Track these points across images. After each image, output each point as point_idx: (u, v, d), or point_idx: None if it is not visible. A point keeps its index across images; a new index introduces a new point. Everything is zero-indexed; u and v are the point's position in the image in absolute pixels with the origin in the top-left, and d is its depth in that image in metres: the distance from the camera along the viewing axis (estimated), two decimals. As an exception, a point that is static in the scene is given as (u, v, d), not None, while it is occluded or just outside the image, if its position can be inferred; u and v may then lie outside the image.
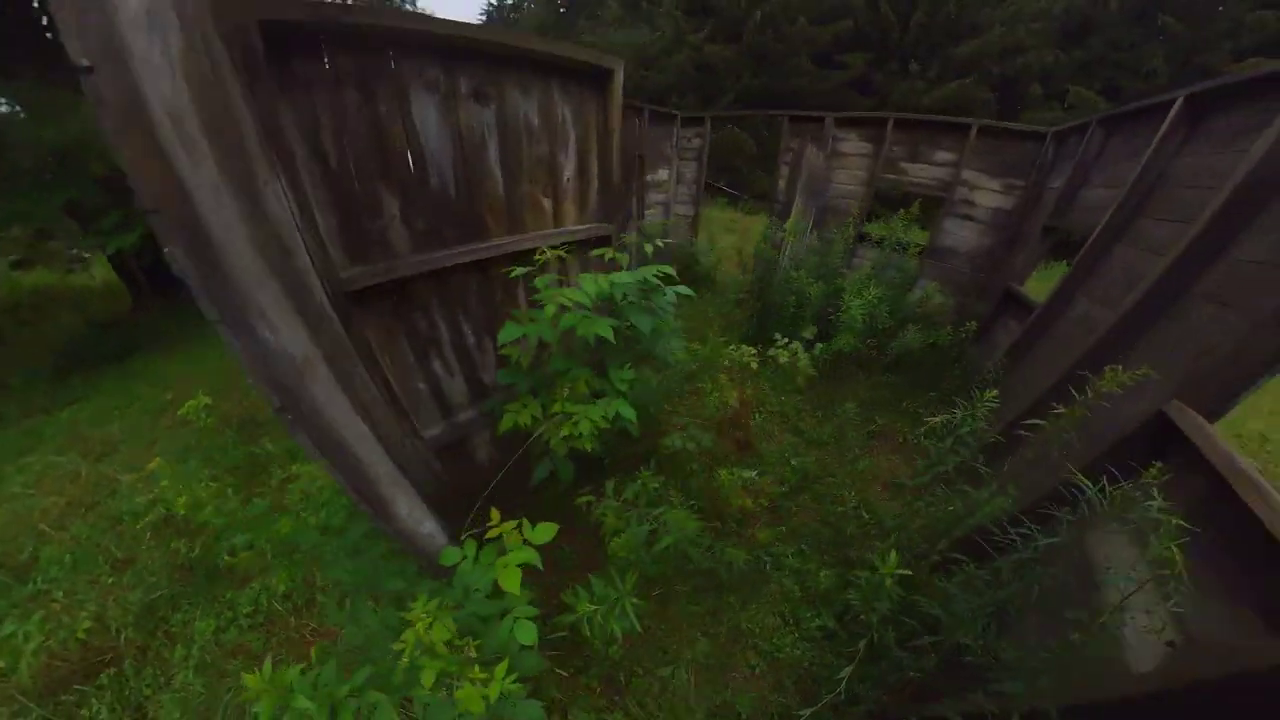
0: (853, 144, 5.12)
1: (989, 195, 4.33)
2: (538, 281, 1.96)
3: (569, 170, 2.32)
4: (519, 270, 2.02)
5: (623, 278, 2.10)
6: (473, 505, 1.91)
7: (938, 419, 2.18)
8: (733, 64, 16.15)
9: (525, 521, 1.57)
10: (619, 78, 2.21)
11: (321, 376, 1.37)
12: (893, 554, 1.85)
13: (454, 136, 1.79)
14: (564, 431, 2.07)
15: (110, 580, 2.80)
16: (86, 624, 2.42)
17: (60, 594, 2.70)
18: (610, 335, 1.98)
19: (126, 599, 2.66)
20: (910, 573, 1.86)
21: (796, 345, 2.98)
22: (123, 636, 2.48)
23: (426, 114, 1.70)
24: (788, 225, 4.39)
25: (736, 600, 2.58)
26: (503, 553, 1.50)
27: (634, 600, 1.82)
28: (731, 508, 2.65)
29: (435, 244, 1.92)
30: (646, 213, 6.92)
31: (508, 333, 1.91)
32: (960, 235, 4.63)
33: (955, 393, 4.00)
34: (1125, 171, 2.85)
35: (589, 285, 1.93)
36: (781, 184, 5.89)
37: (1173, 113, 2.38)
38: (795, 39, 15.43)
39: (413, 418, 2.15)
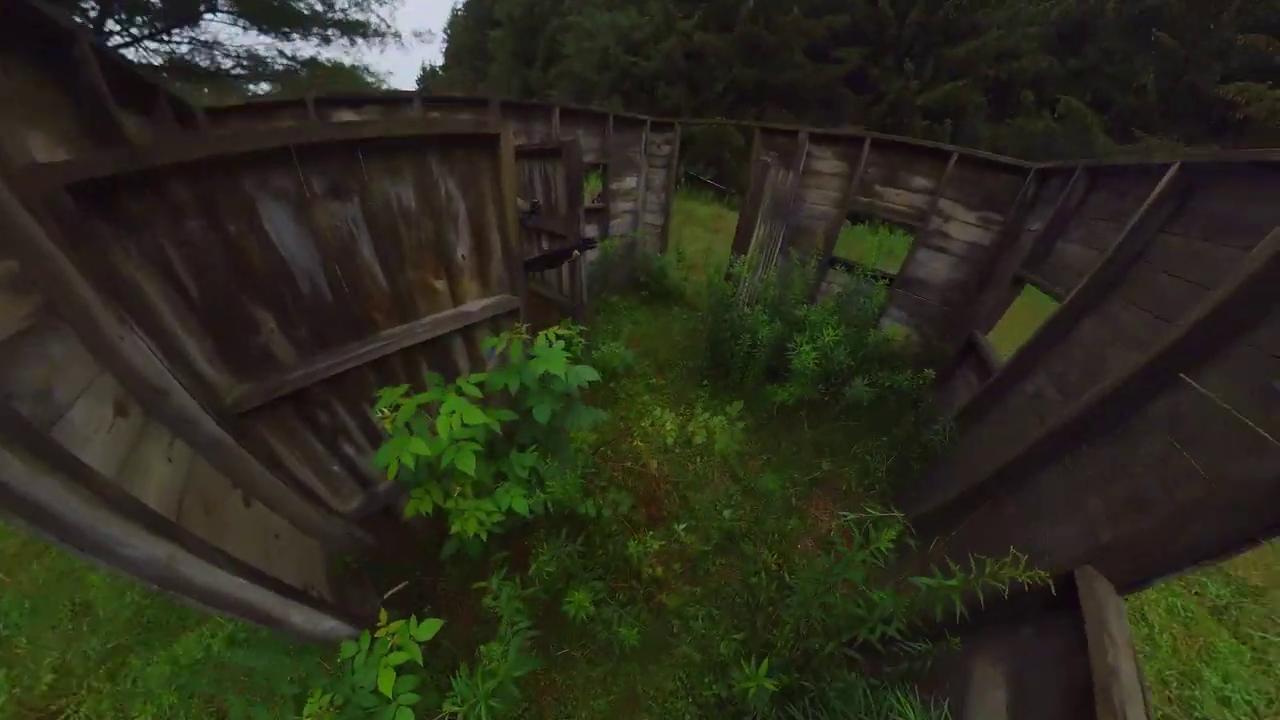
0: (828, 162, 4.75)
1: (965, 228, 4.04)
2: (400, 413, 1.81)
3: (463, 247, 2.08)
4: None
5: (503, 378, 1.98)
6: (404, 568, 2.24)
7: (850, 517, 1.94)
8: (724, 54, 15.50)
9: (413, 619, 1.74)
10: (506, 142, 1.89)
11: (191, 561, 1.30)
12: (763, 664, 1.90)
13: (316, 240, 1.67)
14: (455, 527, 1.97)
15: (70, 627, 2.80)
16: (50, 677, 2.50)
17: (24, 640, 2.71)
18: (471, 463, 1.84)
19: (87, 647, 2.68)
20: (775, 687, 1.89)
21: (719, 421, 2.67)
22: (85, 685, 2.51)
23: (280, 223, 1.56)
24: (744, 258, 4.03)
25: (638, 665, 2.55)
26: (391, 650, 1.67)
27: (514, 689, 1.81)
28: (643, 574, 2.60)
29: (321, 349, 1.86)
30: (612, 223, 6.49)
31: (382, 456, 1.73)
32: (932, 267, 4.35)
33: (908, 440, 3.82)
34: (1105, 232, 2.57)
35: (444, 426, 1.82)
36: (742, 209, 5.54)
37: (1164, 182, 2.08)
38: (789, 30, 14.85)
39: (328, 499, 2.25)
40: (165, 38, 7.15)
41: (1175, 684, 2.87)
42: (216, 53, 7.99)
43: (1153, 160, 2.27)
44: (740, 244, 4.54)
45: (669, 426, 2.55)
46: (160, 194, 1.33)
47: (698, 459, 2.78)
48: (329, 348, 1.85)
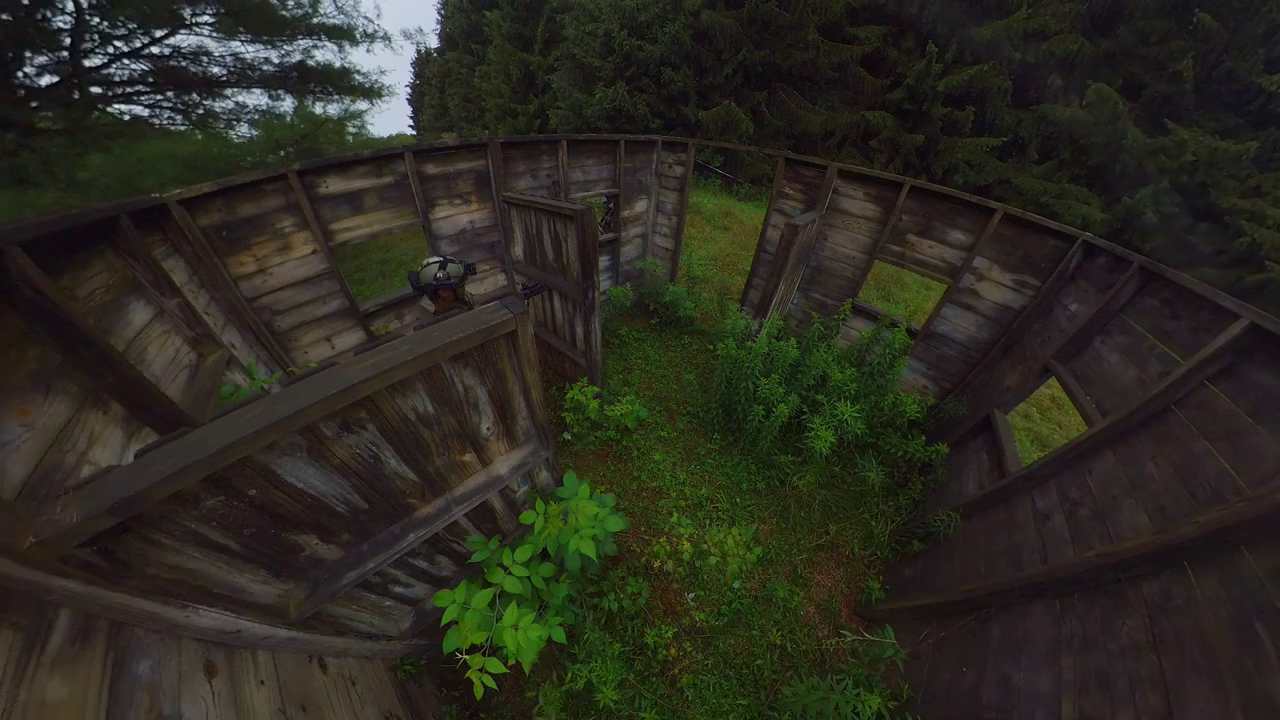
0: (857, 203, 4.47)
1: (997, 288, 3.83)
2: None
3: (486, 422, 2.01)
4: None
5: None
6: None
7: (849, 638, 1.94)
8: (733, 34, 14.59)
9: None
10: (524, 331, 1.76)
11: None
12: None
13: (340, 471, 1.64)
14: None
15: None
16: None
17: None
18: (533, 655, 1.94)
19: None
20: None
21: (730, 541, 2.64)
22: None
23: (300, 471, 1.53)
24: (761, 336, 3.84)
25: None
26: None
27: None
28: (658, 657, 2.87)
29: (365, 539, 1.91)
30: (623, 250, 6.23)
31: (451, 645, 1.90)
32: (957, 323, 4.16)
33: (912, 507, 3.82)
34: (1147, 353, 2.41)
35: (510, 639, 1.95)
36: (755, 266, 5.27)
37: (1225, 338, 1.91)
38: (802, 8, 13.90)
39: (384, 629, 2.46)
40: (147, 40, 6.77)
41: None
42: (204, 60, 7.60)
43: (1221, 297, 2.08)
44: (758, 307, 4.34)
45: (685, 546, 2.53)
46: (168, 499, 1.26)
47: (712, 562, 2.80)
48: (371, 537, 1.91)
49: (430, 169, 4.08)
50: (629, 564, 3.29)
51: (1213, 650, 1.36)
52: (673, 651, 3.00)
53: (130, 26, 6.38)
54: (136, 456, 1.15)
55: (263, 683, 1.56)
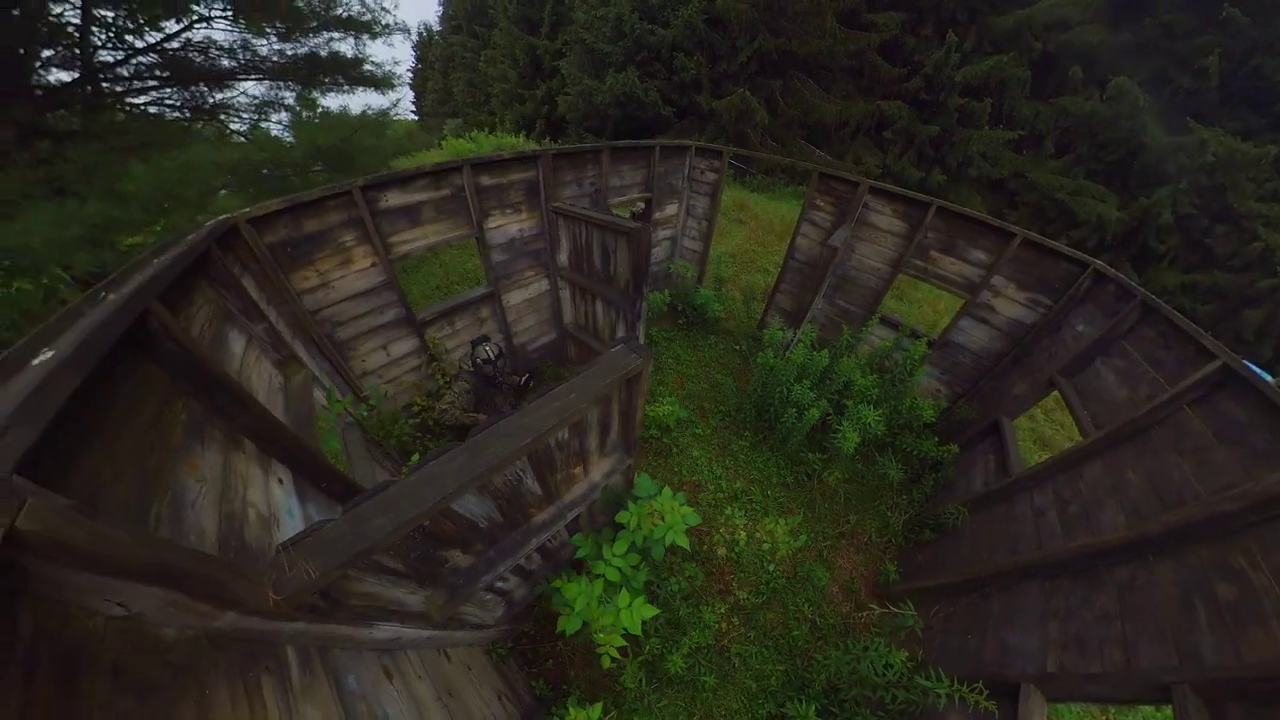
0: (885, 219, 4.80)
1: (1011, 305, 4.21)
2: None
3: (593, 440, 2.34)
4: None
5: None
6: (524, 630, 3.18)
7: (877, 612, 2.58)
8: (748, 20, 14.41)
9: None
10: (646, 371, 2.11)
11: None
12: (811, 707, 2.76)
13: (493, 498, 1.91)
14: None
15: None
16: None
17: None
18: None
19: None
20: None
21: (775, 527, 3.13)
22: None
23: (467, 501, 1.79)
24: (797, 348, 4.25)
25: (712, 694, 3.26)
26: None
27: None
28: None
29: (492, 547, 2.21)
30: (654, 250, 6.57)
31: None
32: (973, 334, 4.55)
33: (924, 500, 4.33)
34: (1140, 376, 2.82)
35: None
36: (782, 273, 5.59)
37: (1200, 374, 2.32)
38: (822, -6, 13.72)
39: (484, 619, 2.74)
40: (154, 37, 6.68)
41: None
42: (213, 52, 7.50)
43: (1203, 338, 2.48)
44: (790, 316, 4.72)
45: (741, 535, 3.02)
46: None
47: (764, 548, 3.32)
48: (497, 544, 2.24)
49: (485, 180, 4.31)
50: (681, 551, 3.80)
51: (1161, 619, 1.83)
52: (723, 626, 3.51)
53: (141, 20, 6.24)
54: (345, 511, 1.27)
55: (420, 678, 1.81)
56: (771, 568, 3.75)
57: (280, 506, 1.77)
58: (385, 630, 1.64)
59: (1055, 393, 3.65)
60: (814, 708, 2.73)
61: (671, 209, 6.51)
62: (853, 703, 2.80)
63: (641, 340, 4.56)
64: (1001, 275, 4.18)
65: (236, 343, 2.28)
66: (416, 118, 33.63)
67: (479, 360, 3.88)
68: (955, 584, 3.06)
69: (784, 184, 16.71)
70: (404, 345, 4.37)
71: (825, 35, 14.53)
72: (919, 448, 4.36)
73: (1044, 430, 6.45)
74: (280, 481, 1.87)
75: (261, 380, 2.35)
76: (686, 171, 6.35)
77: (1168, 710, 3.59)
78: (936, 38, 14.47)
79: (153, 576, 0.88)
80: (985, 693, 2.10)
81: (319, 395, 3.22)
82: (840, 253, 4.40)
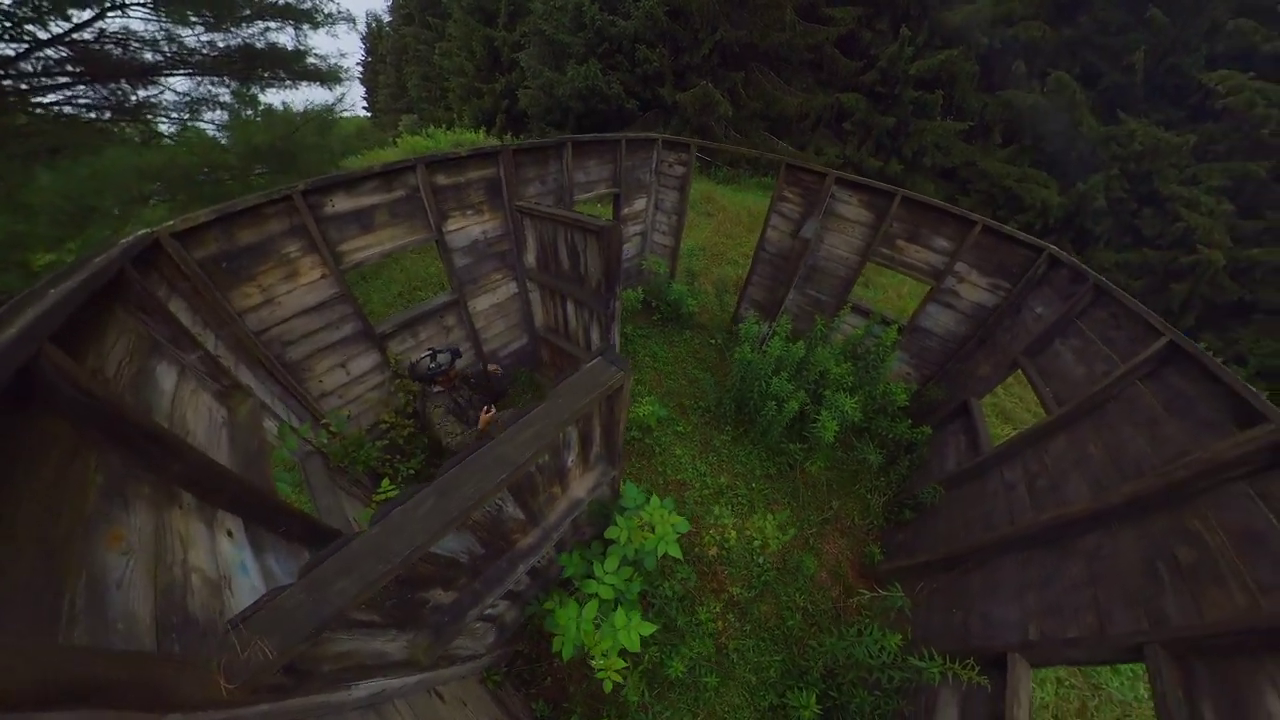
0: (852, 209, 4.88)
1: (974, 289, 4.37)
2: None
3: (572, 456, 2.24)
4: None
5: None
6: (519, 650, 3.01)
7: (866, 596, 2.69)
8: (709, 12, 14.43)
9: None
10: (627, 385, 2.03)
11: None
12: (811, 698, 2.79)
13: (471, 530, 1.85)
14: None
15: None
16: None
17: None
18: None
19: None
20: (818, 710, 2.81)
21: (764, 524, 3.15)
22: None
23: (441, 542, 1.64)
24: (774, 342, 4.28)
25: (714, 691, 3.26)
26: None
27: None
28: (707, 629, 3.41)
29: (476, 579, 2.12)
30: (624, 246, 6.48)
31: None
32: (939, 319, 4.71)
33: (901, 481, 4.48)
34: (1094, 355, 2.98)
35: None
36: (754, 265, 5.64)
37: (1150, 350, 2.46)
38: (781, -13, 13.87)
39: (474, 649, 2.62)
40: (61, 26, 5.94)
41: None
42: (132, 45, 6.75)
43: (1151, 317, 2.63)
44: (763, 308, 4.75)
45: (731, 534, 3.02)
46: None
47: (755, 544, 3.33)
48: (482, 575, 2.12)
49: (442, 180, 4.01)
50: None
51: (1128, 583, 1.93)
52: (719, 624, 3.52)
53: (44, 6, 5.55)
54: (300, 574, 1.11)
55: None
56: (762, 560, 3.78)
57: (232, 563, 1.52)
58: (366, 688, 1.50)
59: (1017, 371, 3.82)
60: (814, 695, 2.78)
61: (640, 204, 6.43)
62: (850, 685, 2.87)
63: (617, 340, 4.47)
64: (964, 262, 4.33)
65: (166, 377, 1.96)
66: (369, 114, 32.06)
67: (426, 372, 3.67)
68: (936, 561, 3.17)
69: (749, 175, 16.87)
70: (365, 361, 4.03)
71: (785, 28, 14.72)
72: (894, 431, 4.49)
73: (1004, 403, 6.80)
74: (230, 534, 1.62)
75: (199, 417, 2.03)
76: (654, 165, 6.27)
77: (1125, 668, 3.86)
78: (891, 32, 14.92)
79: (62, 698, 0.70)
80: (977, 668, 2.17)
81: (270, 425, 2.88)
82: (811, 244, 4.44)
